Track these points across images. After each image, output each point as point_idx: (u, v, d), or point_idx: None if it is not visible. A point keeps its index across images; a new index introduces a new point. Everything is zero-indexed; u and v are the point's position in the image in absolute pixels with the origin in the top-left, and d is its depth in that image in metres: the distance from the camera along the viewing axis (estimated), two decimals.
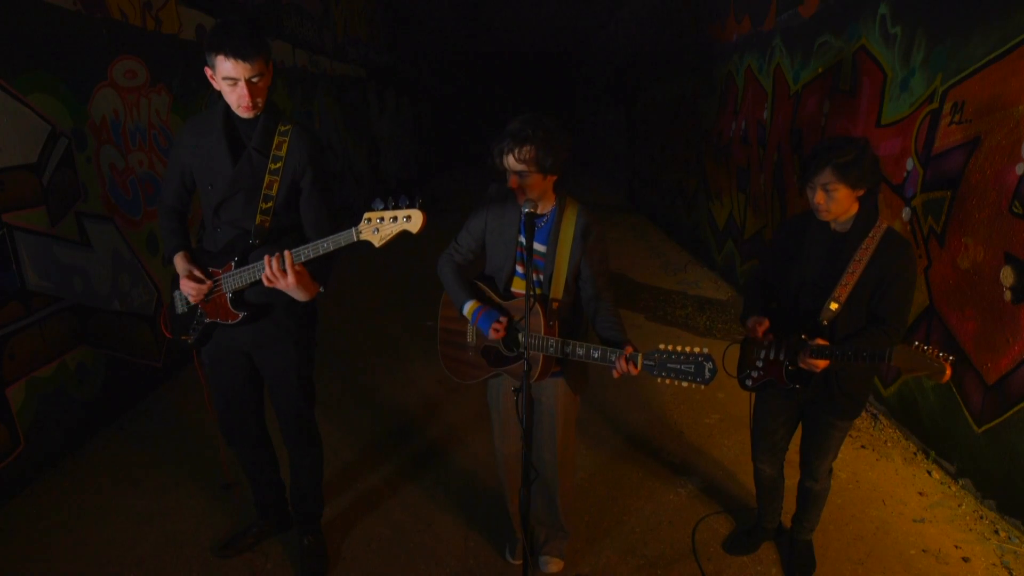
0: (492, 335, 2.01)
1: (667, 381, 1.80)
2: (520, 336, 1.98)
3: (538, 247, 2.03)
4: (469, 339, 2.15)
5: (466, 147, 20.15)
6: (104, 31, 3.55)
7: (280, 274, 1.91)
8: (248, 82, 1.88)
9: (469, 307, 2.05)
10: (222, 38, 1.83)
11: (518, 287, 2.09)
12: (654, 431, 3.53)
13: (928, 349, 1.80)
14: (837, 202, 1.97)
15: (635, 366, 1.84)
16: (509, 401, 2.19)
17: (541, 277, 2.05)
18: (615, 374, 1.88)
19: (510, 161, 1.88)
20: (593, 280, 2.05)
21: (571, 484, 2.39)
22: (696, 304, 5.80)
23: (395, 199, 1.77)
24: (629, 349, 1.86)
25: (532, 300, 1.90)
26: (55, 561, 2.54)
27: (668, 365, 1.78)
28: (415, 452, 3.33)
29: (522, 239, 2.00)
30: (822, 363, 1.97)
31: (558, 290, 2.02)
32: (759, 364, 2.19)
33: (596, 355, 1.89)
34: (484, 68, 21.08)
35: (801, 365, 2.02)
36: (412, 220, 1.76)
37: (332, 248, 1.88)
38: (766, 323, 2.11)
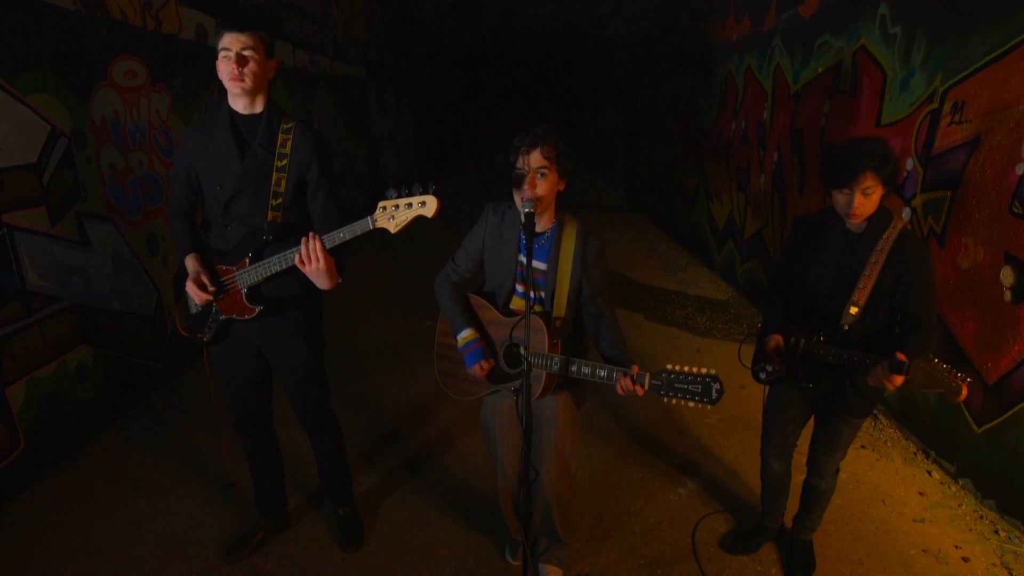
0: (476, 371, 2.03)
1: (673, 401, 1.80)
2: (521, 351, 1.98)
3: (539, 265, 2.03)
4: None
5: (466, 147, 20.15)
6: (104, 31, 3.55)
7: (312, 256, 1.98)
8: (238, 55, 1.99)
9: (464, 336, 2.06)
10: (223, 20, 2.03)
11: (517, 305, 2.09)
12: (654, 431, 3.53)
13: (947, 368, 1.80)
14: (873, 203, 1.96)
15: (642, 387, 1.84)
16: (507, 413, 2.20)
17: (543, 294, 2.05)
18: (620, 391, 1.88)
19: (535, 157, 1.89)
20: (595, 296, 2.05)
21: (570, 497, 2.36)
22: (696, 304, 5.80)
23: (408, 187, 1.87)
24: (636, 369, 1.86)
25: (531, 307, 1.90)
26: (55, 561, 2.54)
27: (675, 385, 1.79)
28: (415, 452, 3.33)
29: (522, 258, 2.00)
30: (899, 379, 1.84)
31: (560, 308, 2.02)
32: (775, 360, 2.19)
33: (602, 374, 1.89)
34: (484, 68, 21.06)
35: (873, 383, 1.92)
36: (427, 206, 1.87)
37: (349, 237, 1.98)
38: (782, 350, 2.14)
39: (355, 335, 5.02)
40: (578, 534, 2.67)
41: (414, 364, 4.42)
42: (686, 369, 1.78)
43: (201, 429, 3.53)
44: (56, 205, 3.19)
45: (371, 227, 1.92)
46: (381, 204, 1.89)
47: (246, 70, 2.01)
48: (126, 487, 3.02)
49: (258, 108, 2.11)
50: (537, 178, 1.90)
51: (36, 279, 3.05)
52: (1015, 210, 2.67)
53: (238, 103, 2.10)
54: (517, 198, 1.95)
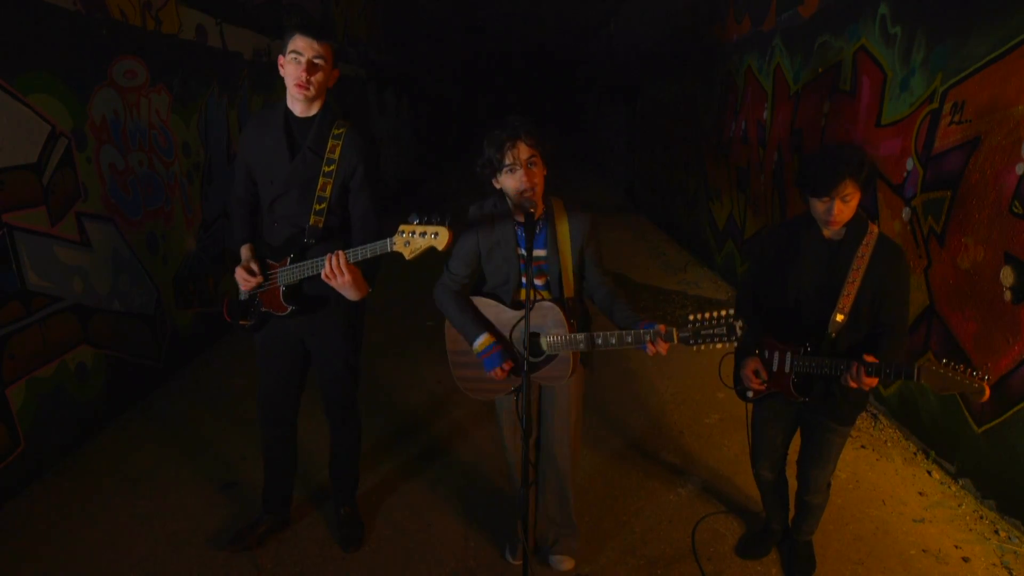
0: (495, 375, 2.06)
1: (702, 347, 1.89)
2: (542, 340, 2.02)
3: (539, 253, 2.07)
4: None
5: (466, 147, 20.16)
6: (104, 31, 3.55)
7: (337, 271, 2.03)
8: (310, 62, 2.03)
9: (480, 343, 2.07)
10: (301, 21, 2.03)
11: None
12: (654, 432, 3.53)
13: (960, 368, 1.81)
14: (851, 209, 1.97)
15: (672, 342, 1.91)
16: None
17: (549, 279, 2.09)
18: (650, 352, 1.94)
19: (522, 148, 1.94)
20: (595, 267, 2.13)
21: (579, 477, 2.41)
22: (696, 304, 5.80)
23: (427, 214, 1.89)
24: (663, 327, 1.92)
25: (532, 300, 1.94)
26: (55, 561, 2.54)
27: (702, 333, 1.88)
28: (415, 452, 3.33)
29: (522, 251, 2.03)
30: (873, 381, 1.92)
31: (569, 288, 2.08)
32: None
33: (630, 339, 1.94)
34: (484, 68, 21.07)
35: (852, 385, 1.95)
36: (439, 237, 1.89)
37: (370, 255, 2.01)
38: (764, 375, 2.15)
39: None
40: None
41: (418, 364, 4.42)
42: (707, 316, 1.87)
43: (201, 429, 3.53)
44: (56, 205, 3.19)
45: (389, 249, 1.96)
46: (401, 228, 1.92)
47: (313, 79, 2.06)
48: (126, 487, 3.02)
49: (313, 111, 2.16)
50: (529, 168, 1.95)
51: (36, 279, 3.05)
52: (1015, 210, 2.67)
53: (296, 105, 2.15)
54: (511, 191, 1.98)
